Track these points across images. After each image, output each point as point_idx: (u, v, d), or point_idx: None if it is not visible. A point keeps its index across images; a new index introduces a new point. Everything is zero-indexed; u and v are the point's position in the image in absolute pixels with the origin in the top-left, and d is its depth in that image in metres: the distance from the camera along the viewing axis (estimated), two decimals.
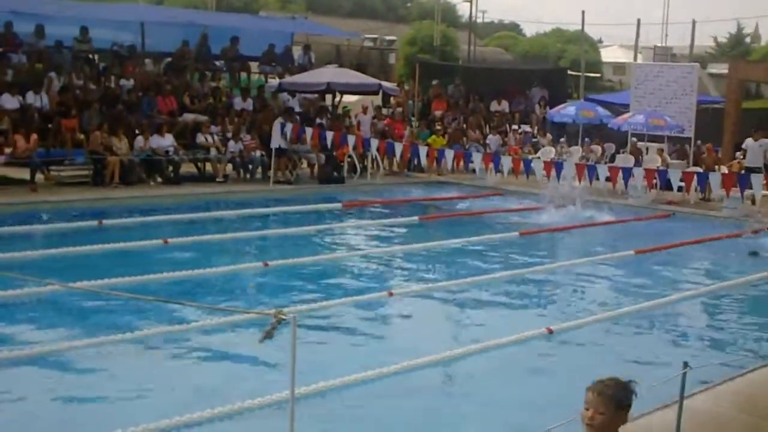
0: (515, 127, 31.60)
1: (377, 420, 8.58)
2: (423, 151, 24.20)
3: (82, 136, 22.04)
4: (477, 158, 23.08)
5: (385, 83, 28.87)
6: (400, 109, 30.11)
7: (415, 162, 27.01)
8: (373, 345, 11.09)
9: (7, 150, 20.85)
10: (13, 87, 22.43)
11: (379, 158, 25.85)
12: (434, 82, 32.73)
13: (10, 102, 21.97)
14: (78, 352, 9.96)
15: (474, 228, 18.94)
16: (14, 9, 23.92)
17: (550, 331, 11.44)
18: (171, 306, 11.24)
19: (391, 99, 30.50)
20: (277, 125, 23.42)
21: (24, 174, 20.90)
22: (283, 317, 5.79)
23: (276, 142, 23.28)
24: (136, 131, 22.68)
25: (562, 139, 29.06)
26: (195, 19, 29.72)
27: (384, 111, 29.29)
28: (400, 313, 12.59)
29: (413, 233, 18.36)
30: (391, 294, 13.11)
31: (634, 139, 27.15)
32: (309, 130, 24.18)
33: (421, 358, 10.06)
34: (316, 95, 28.57)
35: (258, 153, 24.05)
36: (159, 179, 22.49)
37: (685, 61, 42.22)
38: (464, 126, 30.21)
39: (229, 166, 23.96)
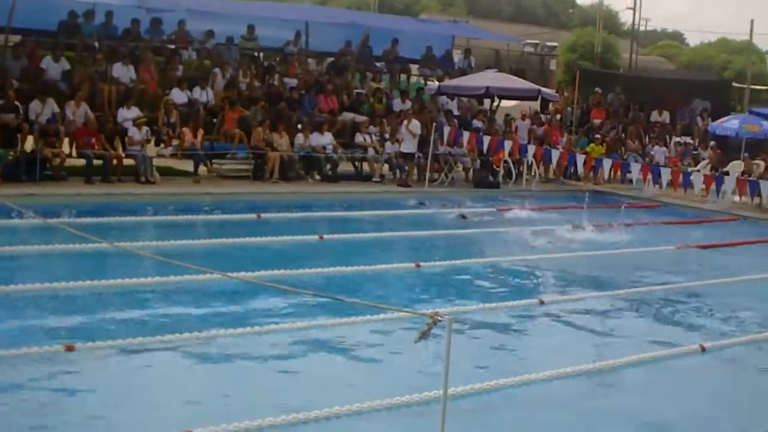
0: (677, 138, 30.91)
1: (524, 425, 8.58)
2: (580, 159, 24.01)
3: (243, 132, 22.64)
4: (635, 168, 22.75)
5: (544, 89, 28.71)
6: (558, 116, 29.85)
7: (572, 170, 26.75)
8: (522, 351, 11.07)
9: (174, 142, 21.66)
10: (183, 82, 23.24)
11: (535, 165, 25.71)
12: (596, 90, 32.29)
13: (179, 96, 22.77)
14: (232, 340, 10.25)
15: (628, 239, 18.65)
16: (188, 7, 24.78)
17: (704, 348, 11.21)
18: (325, 301, 11.43)
19: (550, 105, 30.29)
20: (408, 130, 23.55)
21: (188, 166, 21.65)
22: (439, 318, 5.87)
23: (408, 146, 23.36)
24: (298, 128, 23.20)
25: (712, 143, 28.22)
26: (357, 20, 30.05)
27: (542, 117, 29.10)
28: (550, 322, 12.50)
29: (567, 241, 18.17)
30: (542, 302, 13.06)
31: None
32: (466, 134, 24.29)
33: (569, 367, 10.00)
34: (475, 99, 28.63)
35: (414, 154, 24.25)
36: (317, 176, 22.95)
37: None
38: (623, 135, 29.76)
39: (386, 167, 24.26)
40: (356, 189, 22.49)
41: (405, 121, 23.89)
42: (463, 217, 19.93)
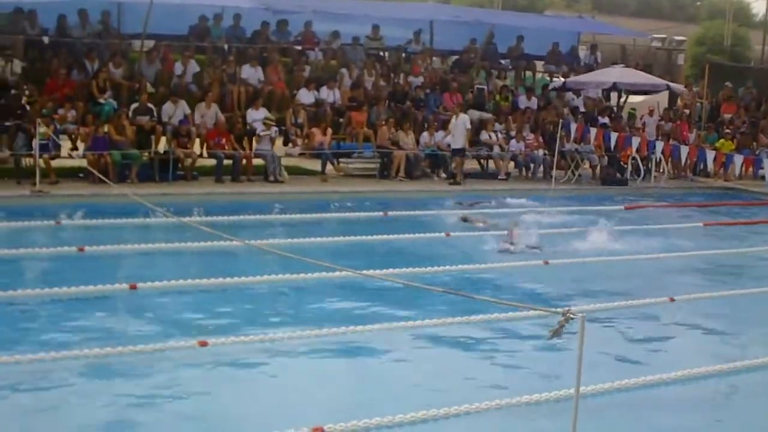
0: None
1: (656, 426, 8.45)
2: (710, 155, 23.50)
3: (370, 131, 22.87)
4: None
5: (672, 84, 28.19)
6: (687, 111, 29.27)
7: (701, 166, 26.22)
8: (654, 350, 10.92)
9: (301, 142, 22.00)
10: (310, 82, 23.59)
11: (663, 161, 25.28)
12: (727, 84, 31.46)
13: (306, 97, 23.14)
14: (361, 337, 10.39)
15: (764, 238, 18.18)
16: (314, 9, 25.16)
17: None
18: (455, 298, 11.43)
19: (678, 101, 29.72)
20: (458, 124, 22.83)
21: (316, 165, 21.95)
22: (572, 316, 5.85)
23: (457, 142, 22.87)
24: (425, 126, 23.29)
25: None
26: (482, 17, 30.01)
27: (670, 113, 28.58)
28: (681, 321, 12.30)
29: (697, 239, 17.82)
30: (672, 300, 12.84)
31: None
32: (593, 131, 24.04)
33: (702, 368, 9.81)
34: (601, 95, 28.31)
35: (540, 152, 24.12)
36: (443, 174, 23.01)
37: None
38: (755, 130, 28.97)
39: (512, 164, 24.17)
40: (482, 187, 22.47)
41: (455, 116, 23.02)
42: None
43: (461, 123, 22.61)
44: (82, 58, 22.20)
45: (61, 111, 19.93)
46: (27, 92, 20.27)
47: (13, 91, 20.04)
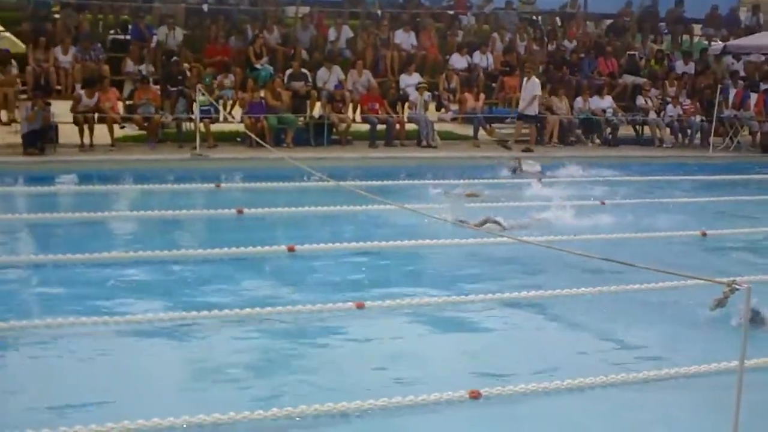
0: None
1: None
2: None
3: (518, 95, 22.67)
4: None
5: None
6: None
7: None
8: None
9: (453, 107, 22.02)
10: (462, 47, 23.56)
11: None
12: None
13: (459, 62, 23.13)
14: (514, 302, 10.39)
15: None
16: None
17: None
18: (612, 266, 11.25)
19: None
20: (527, 87, 21.51)
21: (468, 130, 21.94)
22: (737, 287, 5.74)
23: (529, 108, 21.65)
24: (577, 92, 23.00)
25: None
26: None
27: None
28: None
29: None
30: None
31: None
32: (753, 96, 23.32)
33: None
34: (763, 59, 27.36)
35: (697, 118, 23.53)
36: (597, 140, 22.71)
37: None
38: None
39: (667, 130, 23.64)
40: (637, 153, 22.07)
41: (525, 78, 21.75)
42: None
43: (530, 87, 21.52)
44: (239, 25, 22.69)
45: (219, 77, 20.42)
46: (188, 59, 20.87)
47: (174, 58, 20.62)
